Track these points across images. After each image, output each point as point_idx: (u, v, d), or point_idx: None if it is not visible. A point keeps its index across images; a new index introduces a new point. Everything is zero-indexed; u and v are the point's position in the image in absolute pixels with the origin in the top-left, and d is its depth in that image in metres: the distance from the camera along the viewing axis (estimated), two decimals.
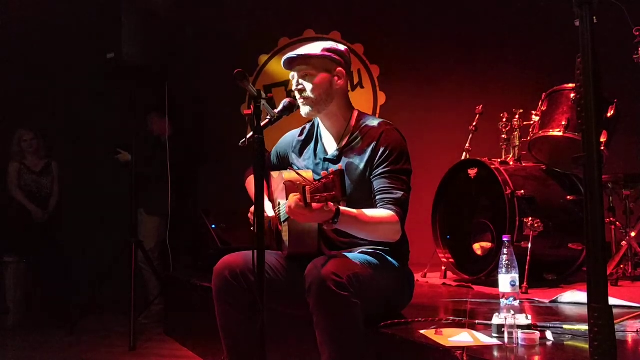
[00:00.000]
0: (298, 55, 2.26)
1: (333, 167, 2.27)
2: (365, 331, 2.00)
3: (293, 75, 2.31)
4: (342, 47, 2.33)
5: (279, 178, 2.31)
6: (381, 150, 2.19)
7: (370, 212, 2.08)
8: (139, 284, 4.22)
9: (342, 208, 1.96)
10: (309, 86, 2.25)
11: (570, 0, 1.35)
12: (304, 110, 2.28)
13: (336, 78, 2.28)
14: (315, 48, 2.28)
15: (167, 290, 4.42)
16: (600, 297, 1.34)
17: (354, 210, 2.03)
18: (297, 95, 2.28)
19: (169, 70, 5.11)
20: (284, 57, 2.29)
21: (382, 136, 2.22)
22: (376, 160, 2.19)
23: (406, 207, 2.15)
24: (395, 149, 2.19)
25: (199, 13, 5.63)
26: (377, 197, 2.15)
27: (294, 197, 1.89)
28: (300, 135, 2.47)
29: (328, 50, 2.28)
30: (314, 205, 1.85)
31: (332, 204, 1.89)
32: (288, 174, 2.16)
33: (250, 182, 2.50)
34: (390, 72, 5.26)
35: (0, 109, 5.17)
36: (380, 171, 2.18)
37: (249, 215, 2.26)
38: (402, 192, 2.14)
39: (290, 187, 2.03)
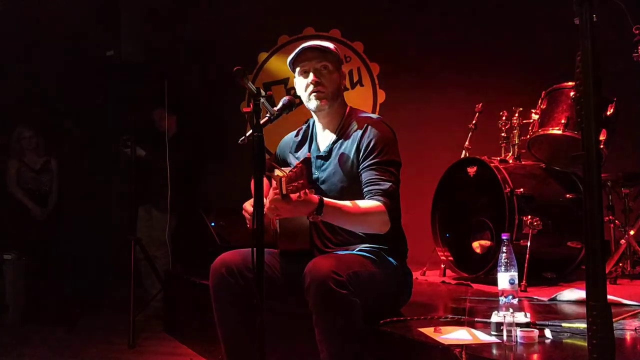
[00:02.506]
0: (322, 46, 2.24)
1: (325, 164, 2.28)
2: (364, 329, 2.00)
3: (308, 67, 2.25)
4: None
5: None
6: (366, 142, 2.19)
7: (356, 203, 2.06)
8: (138, 282, 4.21)
9: (325, 199, 1.95)
10: (326, 79, 2.24)
11: None
12: (315, 103, 2.25)
13: (341, 77, 2.32)
14: (329, 44, 2.28)
15: (167, 288, 4.42)
16: (599, 295, 1.35)
17: (339, 202, 2.02)
18: (311, 88, 2.24)
19: (168, 68, 5.11)
20: (305, 45, 2.24)
21: (368, 129, 2.21)
22: (362, 153, 2.19)
23: (394, 197, 2.13)
24: (380, 141, 2.18)
25: (198, 10, 5.63)
26: (365, 189, 2.14)
27: (273, 191, 1.88)
28: (297, 136, 2.48)
29: (336, 49, 2.30)
30: (292, 196, 1.81)
31: (314, 196, 1.88)
32: (277, 171, 2.15)
33: None
34: (390, 70, 5.25)
35: None
36: (368, 163, 2.17)
37: (243, 212, 2.26)
38: (390, 183, 2.12)
39: (274, 180, 2.01)
